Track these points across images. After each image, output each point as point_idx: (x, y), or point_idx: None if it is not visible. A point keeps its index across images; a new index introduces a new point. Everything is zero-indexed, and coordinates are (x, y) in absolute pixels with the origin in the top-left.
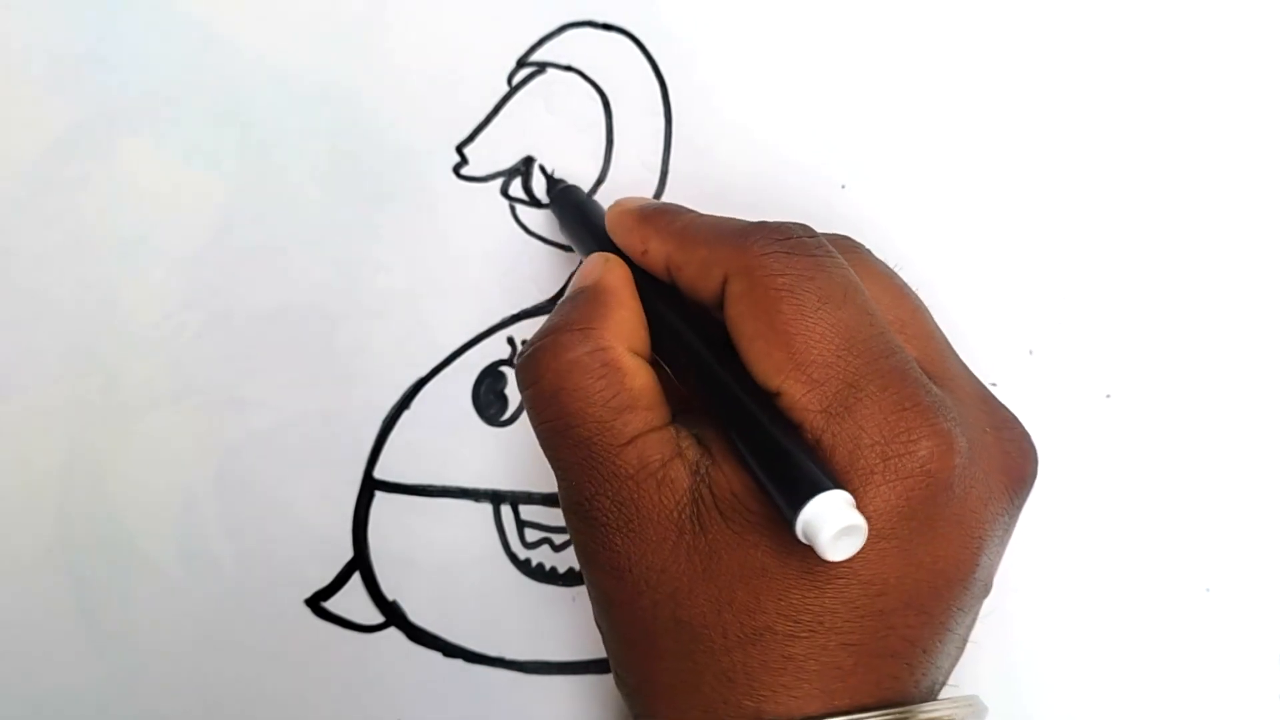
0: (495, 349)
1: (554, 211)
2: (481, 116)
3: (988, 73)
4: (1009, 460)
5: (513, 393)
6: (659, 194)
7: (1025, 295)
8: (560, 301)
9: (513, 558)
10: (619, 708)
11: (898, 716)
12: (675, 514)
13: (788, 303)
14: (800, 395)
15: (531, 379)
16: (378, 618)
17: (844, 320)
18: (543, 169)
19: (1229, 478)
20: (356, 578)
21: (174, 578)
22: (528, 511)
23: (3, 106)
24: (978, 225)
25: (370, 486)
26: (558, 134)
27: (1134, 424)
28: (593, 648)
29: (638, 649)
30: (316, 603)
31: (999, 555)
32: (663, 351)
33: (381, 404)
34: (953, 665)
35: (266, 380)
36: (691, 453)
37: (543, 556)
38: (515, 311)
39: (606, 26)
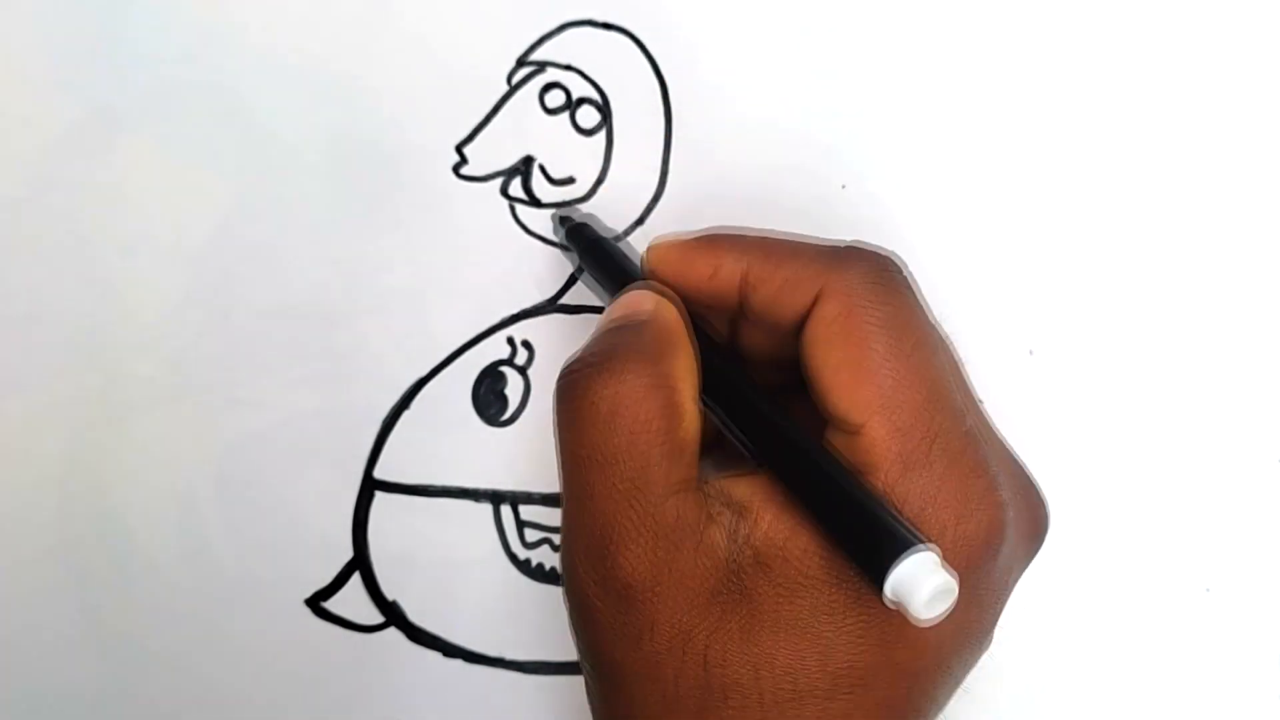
0: (495, 349)
1: (568, 245)
2: (481, 116)
3: (987, 74)
4: (1030, 525)
5: (513, 393)
6: (659, 194)
7: (1025, 295)
8: (611, 327)
9: (513, 558)
10: None
11: None
12: (710, 579)
13: (885, 338)
14: (883, 437)
15: (578, 399)
16: (378, 618)
17: (934, 371)
18: (542, 168)
19: (1229, 478)
20: (356, 578)
21: (174, 577)
22: (528, 511)
23: (3, 106)
24: (978, 226)
25: (370, 486)
26: (558, 134)
27: (1134, 424)
28: None
29: (648, 710)
30: (316, 603)
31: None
32: (717, 398)
33: (381, 404)
34: None
35: (266, 380)
36: (725, 515)
37: (542, 556)
38: (515, 311)
39: (606, 25)
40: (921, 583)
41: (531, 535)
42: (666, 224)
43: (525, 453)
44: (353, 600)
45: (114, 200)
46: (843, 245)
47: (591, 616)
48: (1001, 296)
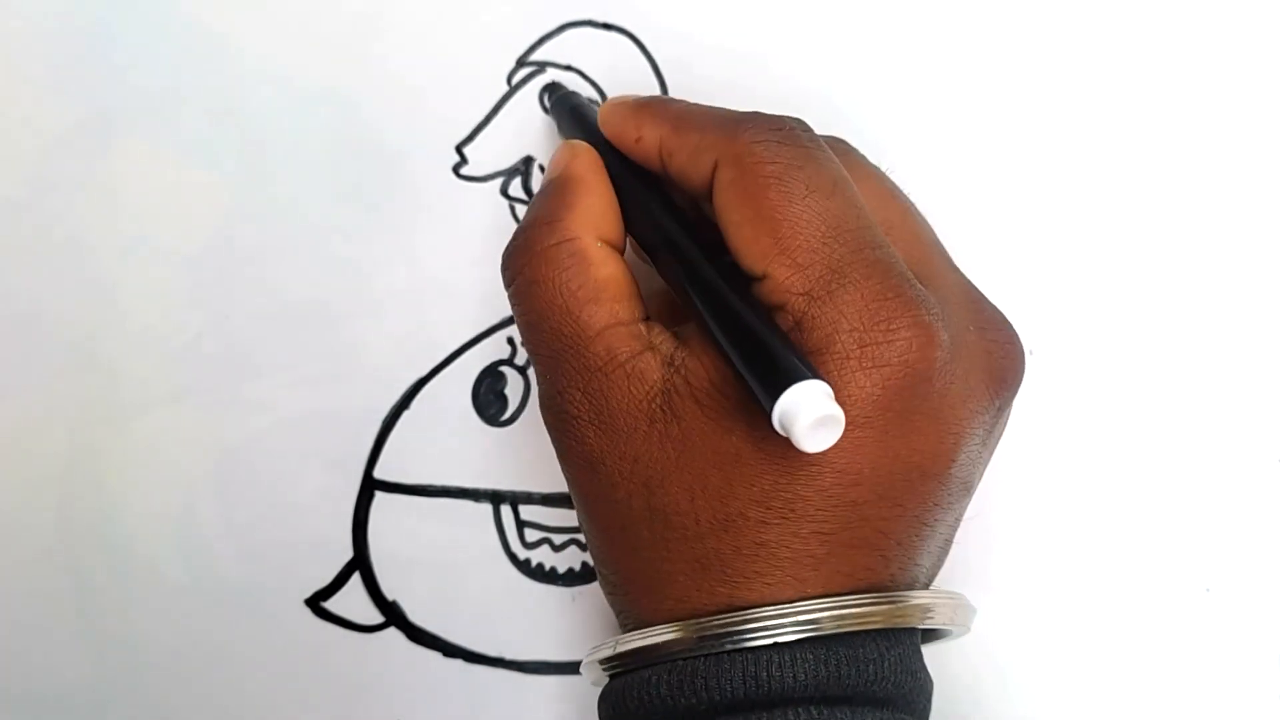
0: (495, 349)
1: (552, 116)
2: (481, 116)
3: (987, 75)
4: (992, 360)
5: (512, 393)
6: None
7: (1025, 295)
8: (534, 196)
9: (512, 558)
10: None
11: (876, 600)
12: (646, 405)
13: (775, 189)
14: (784, 278)
15: (509, 277)
16: (378, 618)
17: (831, 209)
18: (542, 168)
19: (1229, 477)
20: (356, 578)
21: (174, 578)
22: (527, 511)
23: (3, 106)
24: (978, 226)
25: (370, 486)
26: (558, 134)
27: (1135, 424)
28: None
29: (615, 542)
30: (316, 603)
31: (981, 456)
32: (641, 238)
33: (381, 404)
34: (935, 566)
35: (266, 380)
36: (665, 345)
37: (542, 556)
38: None
39: (606, 26)
40: (802, 411)
41: (531, 535)
42: None
43: (525, 453)
44: (353, 600)
45: (113, 201)
46: (741, 113)
47: (561, 453)
48: (1001, 297)
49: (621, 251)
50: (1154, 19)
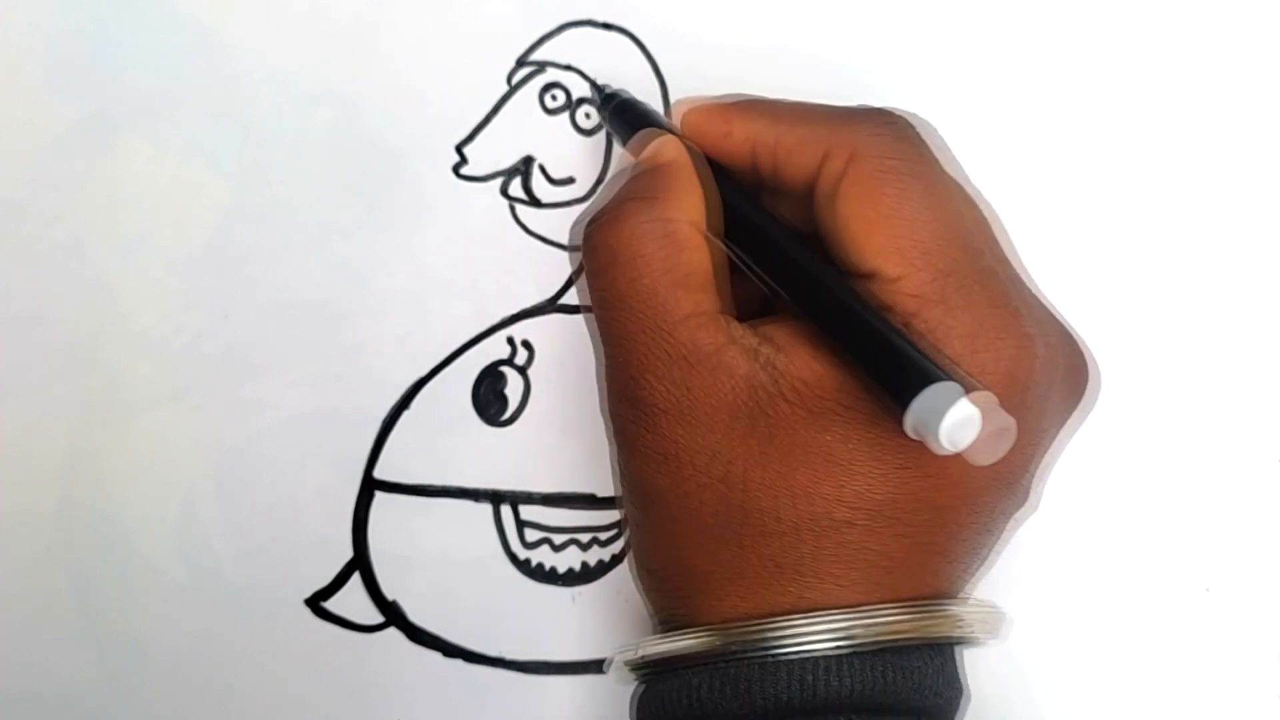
0: (495, 349)
1: (608, 124)
2: (481, 116)
3: (988, 76)
4: (1071, 374)
5: (513, 393)
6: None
7: None
8: (621, 177)
9: (512, 558)
10: (619, 708)
11: (920, 613)
12: (730, 399)
13: (894, 186)
14: (896, 278)
15: (589, 249)
16: (378, 618)
17: (947, 211)
18: (542, 168)
19: (1229, 477)
20: (356, 578)
21: (174, 577)
22: (527, 511)
23: (3, 106)
24: None
25: (370, 486)
26: (558, 133)
27: (1135, 424)
28: (593, 648)
29: (678, 538)
30: (316, 603)
31: (1046, 466)
32: (737, 235)
33: (381, 404)
34: (981, 573)
35: (266, 380)
36: (749, 340)
37: (542, 556)
38: (515, 311)
39: (606, 26)
40: (942, 414)
41: (531, 535)
42: None
43: (525, 453)
44: (353, 600)
45: (113, 201)
46: (853, 107)
47: (628, 445)
48: None
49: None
50: (1153, 19)
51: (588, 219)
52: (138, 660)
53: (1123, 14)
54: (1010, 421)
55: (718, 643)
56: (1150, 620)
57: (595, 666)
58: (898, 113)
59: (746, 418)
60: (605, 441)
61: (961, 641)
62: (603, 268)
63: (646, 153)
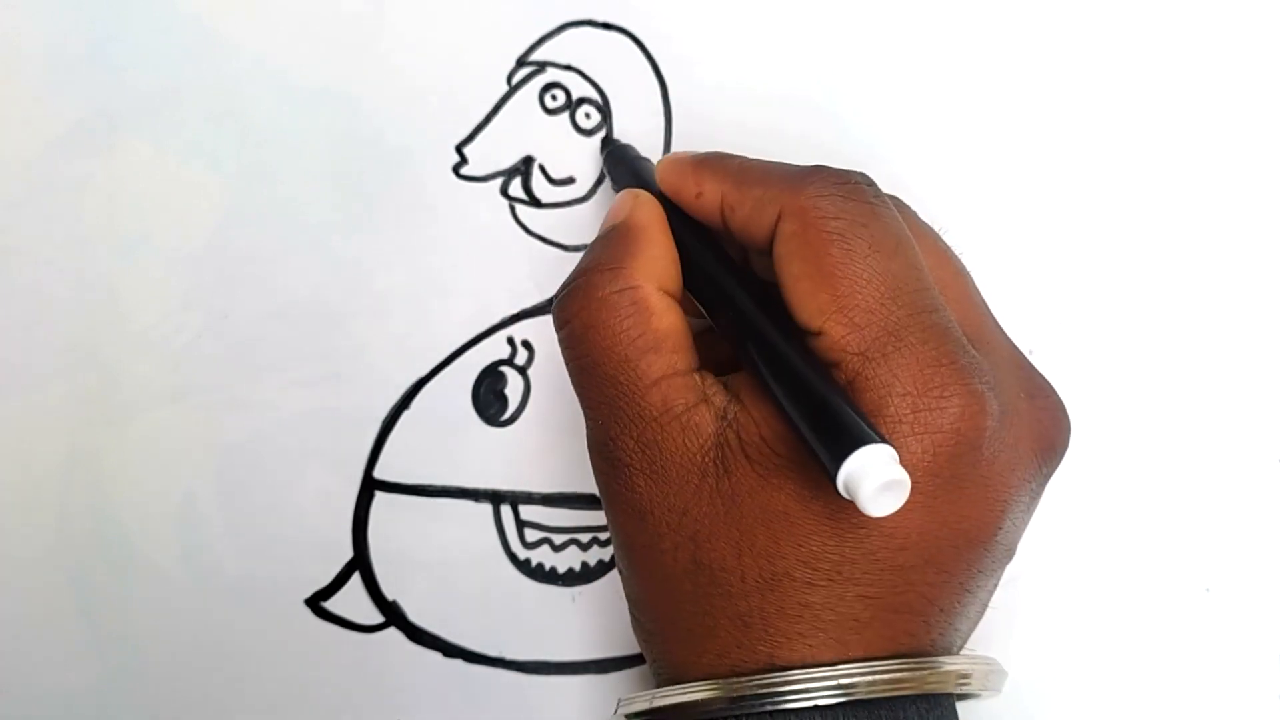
0: (495, 349)
1: (605, 168)
2: (481, 116)
3: (987, 75)
4: (1040, 428)
5: (513, 393)
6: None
7: (1025, 295)
8: (593, 241)
9: (512, 558)
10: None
11: (912, 667)
12: (699, 458)
13: (838, 246)
14: (840, 336)
15: (564, 320)
16: (378, 618)
17: (892, 270)
18: (542, 168)
19: (1229, 478)
20: (356, 578)
21: (174, 577)
22: (527, 511)
23: (3, 106)
24: (978, 226)
25: (370, 486)
26: (558, 134)
27: (1134, 423)
28: (592, 648)
29: (657, 592)
30: (316, 603)
31: (1024, 522)
32: (699, 291)
33: (381, 404)
34: (971, 628)
35: (266, 380)
36: (719, 398)
37: (543, 556)
38: (515, 311)
39: (606, 26)
40: (868, 475)
41: (531, 535)
42: None
43: (525, 453)
44: (353, 600)
45: (113, 201)
46: (806, 167)
47: (608, 500)
48: (1002, 297)
49: (679, 303)
50: (1153, 18)
51: (560, 287)
52: (138, 660)
53: (1124, 27)
54: (904, 477)
55: (719, 694)
56: (1150, 620)
57: (595, 666)
58: (853, 173)
59: (714, 476)
60: None
61: (961, 696)
62: (575, 338)
63: (611, 212)
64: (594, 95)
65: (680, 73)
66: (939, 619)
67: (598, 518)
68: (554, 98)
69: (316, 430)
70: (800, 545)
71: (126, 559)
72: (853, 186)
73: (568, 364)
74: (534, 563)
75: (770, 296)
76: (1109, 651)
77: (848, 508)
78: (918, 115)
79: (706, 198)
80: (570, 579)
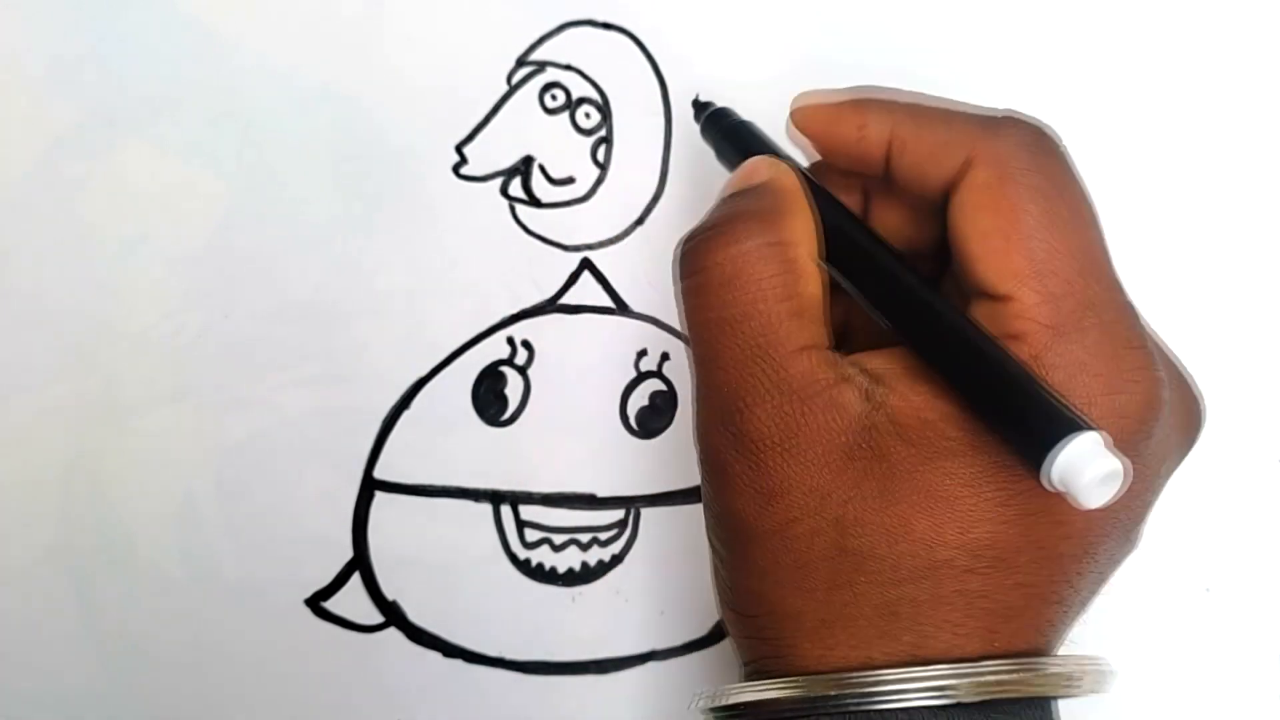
0: (495, 349)
1: (705, 135)
2: (481, 116)
3: (987, 75)
4: (1186, 415)
5: (513, 393)
6: (659, 194)
7: None
8: (727, 195)
9: (512, 558)
10: (618, 708)
11: (1023, 668)
12: (844, 438)
13: (1039, 204)
14: (1033, 304)
15: (697, 266)
16: (378, 618)
17: (1090, 240)
18: (542, 168)
19: (1229, 478)
20: (356, 578)
21: (174, 578)
22: (527, 511)
23: (3, 106)
24: None
25: (370, 486)
26: (558, 134)
27: None
28: (592, 648)
29: (781, 581)
30: (316, 603)
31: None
32: (845, 263)
33: (381, 404)
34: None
35: (266, 380)
36: (860, 378)
37: (542, 556)
38: (515, 311)
39: (606, 26)
40: (1087, 466)
41: (531, 535)
42: (667, 224)
43: (525, 453)
44: (353, 600)
45: (114, 201)
46: (998, 113)
47: (725, 479)
48: None
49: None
50: (1153, 19)
51: (689, 234)
52: (138, 660)
53: (1123, 25)
54: (1127, 464)
55: (814, 692)
56: (1150, 620)
57: (595, 666)
58: (1044, 125)
59: (863, 459)
60: (605, 441)
61: (1066, 695)
62: (711, 288)
63: (753, 174)
64: (594, 95)
65: (680, 73)
66: (1076, 609)
67: (598, 518)
68: (554, 97)
69: (316, 430)
70: (965, 532)
71: (127, 559)
72: (1051, 142)
73: (692, 319)
74: (534, 563)
75: (914, 264)
76: (1109, 651)
77: (1023, 493)
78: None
79: (871, 136)
80: (570, 579)
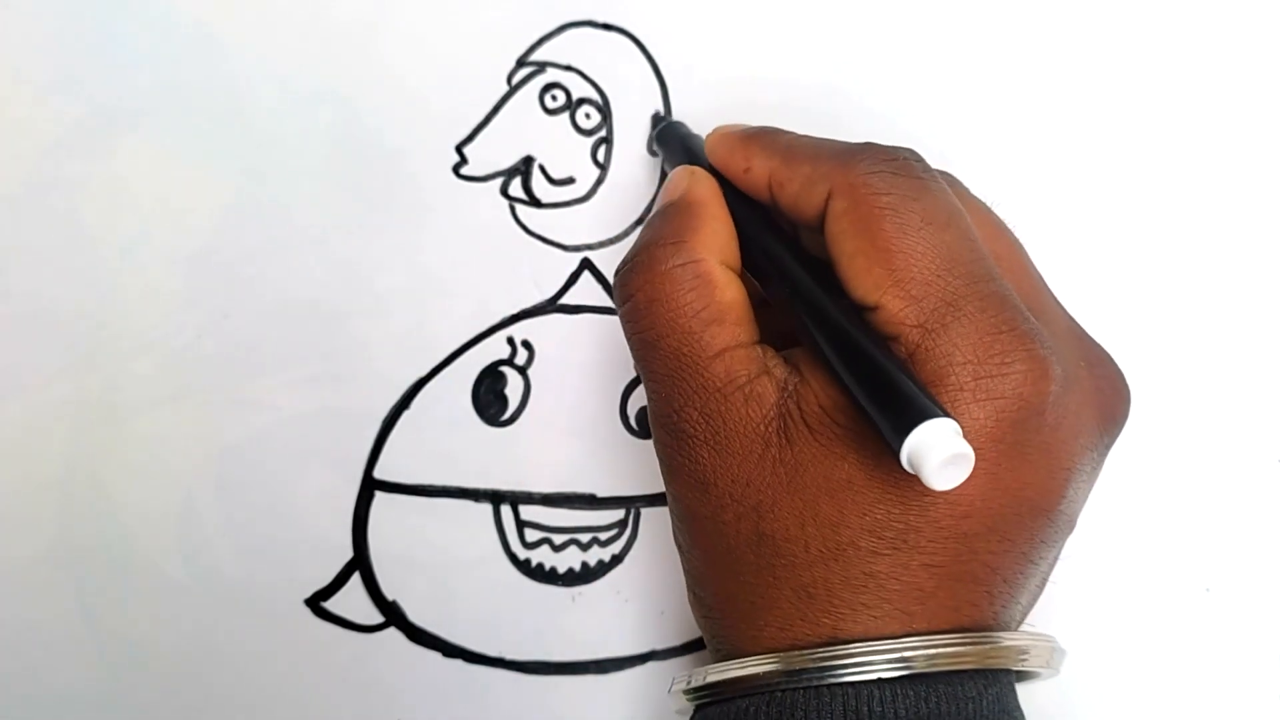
0: (495, 349)
1: (657, 147)
2: (481, 116)
3: (987, 75)
4: (1102, 396)
5: (513, 393)
6: (659, 194)
7: None
8: (650, 216)
9: (512, 558)
10: (618, 708)
11: (974, 642)
12: (761, 428)
13: (890, 220)
14: (898, 310)
15: (627, 294)
16: (378, 618)
17: (946, 241)
18: (542, 168)
19: (1229, 478)
20: (356, 578)
21: (174, 578)
22: (527, 511)
23: (3, 106)
24: None
25: (370, 486)
26: (558, 134)
27: (1134, 424)
28: (592, 648)
29: (718, 565)
30: (316, 603)
31: (1085, 493)
32: (756, 268)
33: (381, 404)
34: (1031, 603)
35: (266, 380)
36: (779, 370)
37: (542, 556)
38: (515, 311)
39: (606, 26)
40: (932, 449)
41: (531, 535)
42: None
43: (525, 453)
44: (353, 600)
45: (114, 200)
46: (857, 146)
47: (671, 472)
48: None
49: (739, 276)
50: (1153, 19)
51: (620, 264)
52: (138, 660)
53: (1122, 25)
54: (968, 450)
55: (775, 668)
56: (1150, 620)
57: (595, 666)
58: (902, 149)
59: (776, 446)
60: (605, 442)
61: (1021, 675)
62: (638, 312)
63: (674, 189)
64: (594, 95)
65: (680, 73)
66: (1002, 590)
67: (598, 518)
68: (554, 98)
69: (316, 430)
70: (865, 514)
71: (127, 559)
72: (902, 162)
73: (630, 339)
74: (534, 563)
75: (823, 272)
76: (1109, 651)
77: (912, 476)
78: (918, 115)
79: (755, 173)
80: (570, 579)
